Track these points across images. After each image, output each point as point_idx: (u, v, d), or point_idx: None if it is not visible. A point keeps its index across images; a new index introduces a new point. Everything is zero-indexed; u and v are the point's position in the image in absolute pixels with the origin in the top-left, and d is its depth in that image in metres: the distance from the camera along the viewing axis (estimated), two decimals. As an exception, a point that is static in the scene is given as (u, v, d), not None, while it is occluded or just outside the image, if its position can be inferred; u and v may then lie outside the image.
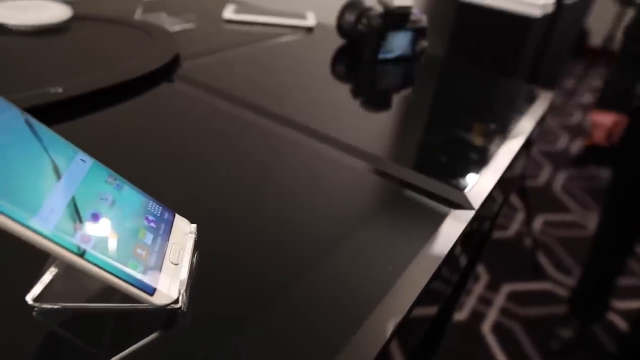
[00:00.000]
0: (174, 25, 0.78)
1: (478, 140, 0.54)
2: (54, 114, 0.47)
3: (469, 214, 0.41)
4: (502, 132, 0.58)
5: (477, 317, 1.60)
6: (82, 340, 0.26)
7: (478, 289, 1.74)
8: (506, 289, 1.76)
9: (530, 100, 0.70)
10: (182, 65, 0.64)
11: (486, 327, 1.57)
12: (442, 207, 0.41)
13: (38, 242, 0.22)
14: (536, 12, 1.74)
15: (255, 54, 0.72)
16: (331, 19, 0.89)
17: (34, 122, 0.26)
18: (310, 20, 0.89)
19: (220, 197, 0.39)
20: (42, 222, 0.22)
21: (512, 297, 1.72)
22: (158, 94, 0.55)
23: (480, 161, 0.50)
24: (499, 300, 1.71)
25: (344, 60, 0.77)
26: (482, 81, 0.75)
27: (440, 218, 0.40)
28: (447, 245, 0.37)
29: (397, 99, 0.64)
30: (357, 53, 0.78)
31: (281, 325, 0.28)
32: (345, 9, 0.76)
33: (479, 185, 0.45)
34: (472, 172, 0.47)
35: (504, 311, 1.65)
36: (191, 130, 0.48)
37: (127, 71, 0.55)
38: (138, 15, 0.81)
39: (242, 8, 0.92)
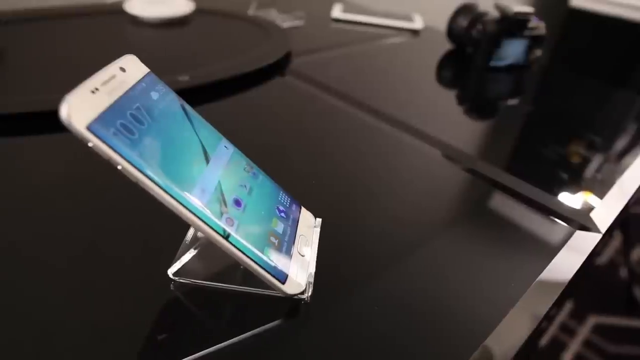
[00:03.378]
0: (284, 21, 0.80)
1: (576, 158, 0.51)
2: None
3: (595, 238, 0.38)
4: (620, 150, 0.53)
5: (558, 345, 1.50)
6: (207, 314, 0.27)
7: (561, 316, 1.63)
8: (593, 320, 1.63)
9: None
10: (292, 61, 0.65)
11: (567, 358, 1.46)
12: (561, 226, 0.39)
13: (191, 219, 0.24)
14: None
15: (362, 54, 0.72)
16: (437, 22, 0.88)
17: (187, 106, 0.28)
18: (417, 23, 0.88)
19: (327, 190, 0.39)
20: (196, 202, 0.24)
21: (599, 330, 1.59)
22: (272, 87, 0.57)
23: (602, 182, 0.46)
24: (584, 331, 1.58)
25: (452, 65, 0.75)
26: (598, 94, 0.69)
27: (563, 238, 0.37)
28: (571, 268, 0.35)
29: (507, 108, 0.61)
30: (466, 59, 0.75)
31: (396, 339, 0.27)
32: (458, 13, 0.74)
33: (604, 208, 0.42)
34: (594, 193, 0.44)
35: (588, 344, 1.53)
36: (302, 123, 0.50)
37: (246, 63, 0.57)
38: (252, 10, 0.85)
39: (349, 7, 0.92)
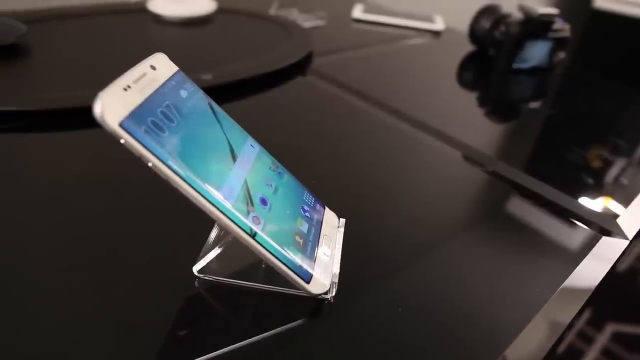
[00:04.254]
0: (305, 21, 0.80)
1: (598, 162, 0.50)
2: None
3: (622, 244, 0.37)
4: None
5: (574, 353, 1.47)
6: (230, 312, 0.27)
7: (578, 323, 1.60)
8: (611, 328, 1.59)
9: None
10: (314, 61, 0.65)
11: (585, 366, 1.44)
12: (586, 231, 0.38)
13: (219, 217, 0.24)
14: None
15: (382, 55, 0.72)
16: (458, 23, 0.87)
17: (215, 105, 0.28)
18: (438, 24, 0.87)
19: (347, 191, 0.39)
20: (225, 201, 0.24)
21: (618, 338, 1.55)
22: (293, 87, 0.57)
23: (628, 187, 0.45)
24: (602, 339, 1.55)
25: (474, 66, 0.74)
26: (622, 96, 0.68)
27: (588, 243, 0.37)
28: (596, 276, 0.34)
29: (529, 111, 0.61)
30: (488, 61, 0.75)
31: (414, 343, 0.27)
32: (480, 14, 0.74)
33: (630, 213, 0.41)
34: (620, 198, 0.43)
35: (606, 352, 1.50)
36: (323, 124, 0.50)
37: (268, 63, 0.57)
38: (273, 10, 0.85)
39: (370, 8, 0.92)
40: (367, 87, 0.59)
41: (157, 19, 0.74)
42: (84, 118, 0.43)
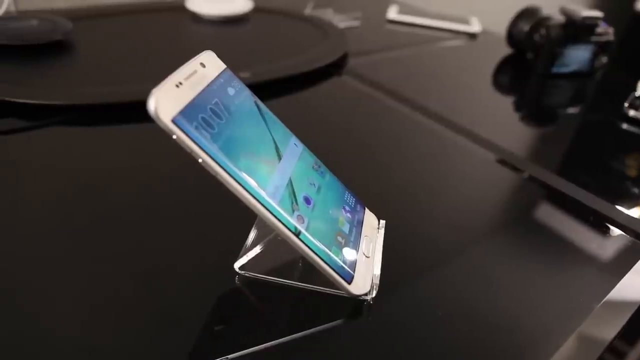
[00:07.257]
0: (340, 22, 0.80)
1: (633, 171, 0.48)
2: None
3: (669, 257, 0.36)
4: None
5: (604, 367, 1.43)
6: (268, 309, 0.28)
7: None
8: (644, 343, 1.54)
9: None
10: (349, 61, 0.65)
11: (615, 380, 1.39)
12: (627, 240, 0.37)
13: (265, 215, 0.24)
14: None
15: (418, 57, 0.71)
16: (494, 25, 0.85)
17: (260, 103, 0.29)
18: (474, 26, 0.86)
19: (383, 191, 0.39)
20: (271, 199, 0.24)
21: (651, 354, 1.50)
22: (329, 86, 0.57)
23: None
24: (634, 355, 1.50)
25: (511, 70, 0.73)
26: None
27: (631, 254, 0.35)
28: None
29: (567, 116, 0.59)
30: (526, 64, 0.73)
31: (453, 349, 0.27)
32: (519, 17, 0.72)
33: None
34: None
35: (638, 368, 1.45)
36: (359, 124, 0.50)
37: (306, 62, 0.58)
38: (309, 9, 0.85)
39: (405, 9, 0.91)
40: (402, 88, 0.59)
41: (195, 17, 0.75)
42: (129, 113, 0.45)
